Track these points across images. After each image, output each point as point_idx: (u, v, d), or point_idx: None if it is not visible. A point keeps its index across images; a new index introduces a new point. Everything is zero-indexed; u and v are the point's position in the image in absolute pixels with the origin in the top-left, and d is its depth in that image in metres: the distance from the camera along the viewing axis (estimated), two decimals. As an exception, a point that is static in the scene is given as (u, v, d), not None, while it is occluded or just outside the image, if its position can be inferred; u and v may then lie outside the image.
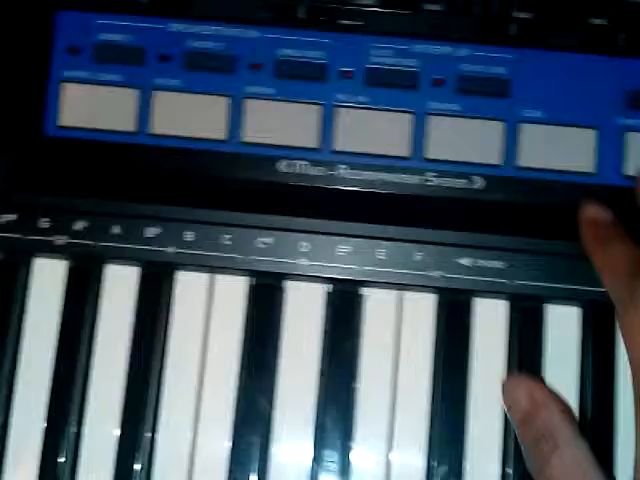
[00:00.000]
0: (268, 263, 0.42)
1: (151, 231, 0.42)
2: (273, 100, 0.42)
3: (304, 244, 0.42)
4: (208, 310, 0.43)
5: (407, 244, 0.42)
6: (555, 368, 0.41)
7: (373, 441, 0.41)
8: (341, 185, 0.42)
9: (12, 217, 0.42)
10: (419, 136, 0.42)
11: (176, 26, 0.43)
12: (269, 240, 0.42)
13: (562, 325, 0.42)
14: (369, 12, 0.42)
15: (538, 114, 0.42)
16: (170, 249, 0.42)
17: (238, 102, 0.42)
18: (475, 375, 0.41)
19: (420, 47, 0.42)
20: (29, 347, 0.42)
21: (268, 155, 0.42)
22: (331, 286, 0.42)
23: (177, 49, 0.43)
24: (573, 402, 0.41)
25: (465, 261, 0.42)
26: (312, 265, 0.42)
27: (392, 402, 0.41)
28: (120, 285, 0.43)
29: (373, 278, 0.42)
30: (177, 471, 0.41)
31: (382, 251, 0.42)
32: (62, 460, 0.40)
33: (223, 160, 0.42)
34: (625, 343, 0.36)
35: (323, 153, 0.42)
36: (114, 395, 0.41)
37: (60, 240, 0.42)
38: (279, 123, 0.42)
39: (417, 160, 0.42)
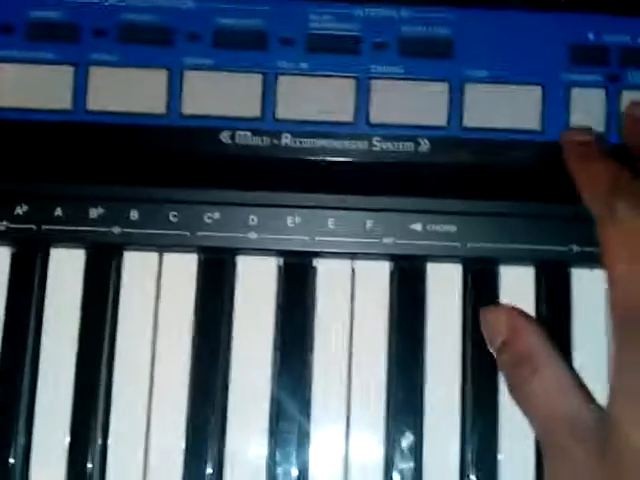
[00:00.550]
0: (217, 239, 0.41)
1: (95, 212, 0.41)
2: (213, 70, 0.41)
3: (253, 217, 0.41)
4: (158, 290, 0.42)
5: (357, 212, 0.41)
6: (511, 329, 0.41)
7: (331, 413, 0.40)
8: (285, 154, 0.41)
9: (-54, 205, 0.41)
10: (363, 101, 0.41)
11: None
12: (216, 215, 0.41)
13: (517, 286, 0.42)
14: (307, -23, 0.42)
15: (482, 73, 0.41)
16: (115, 229, 0.41)
17: (177, 74, 0.41)
18: (432, 341, 0.41)
19: (360, 11, 0.42)
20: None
21: (210, 127, 0.41)
22: (282, 259, 0.42)
23: (112, 23, 0.41)
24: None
25: (416, 226, 0.41)
26: (262, 238, 0.41)
27: (348, 372, 0.41)
28: (66, 269, 0.41)
29: (325, 249, 0.41)
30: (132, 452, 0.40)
31: (332, 220, 0.41)
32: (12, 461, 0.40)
33: (164, 135, 0.41)
34: (603, 260, 0.35)
35: (266, 122, 0.41)
36: (63, 381, 0.40)
37: (0, 226, 0.41)
38: (220, 94, 0.41)
39: (362, 125, 0.41)
